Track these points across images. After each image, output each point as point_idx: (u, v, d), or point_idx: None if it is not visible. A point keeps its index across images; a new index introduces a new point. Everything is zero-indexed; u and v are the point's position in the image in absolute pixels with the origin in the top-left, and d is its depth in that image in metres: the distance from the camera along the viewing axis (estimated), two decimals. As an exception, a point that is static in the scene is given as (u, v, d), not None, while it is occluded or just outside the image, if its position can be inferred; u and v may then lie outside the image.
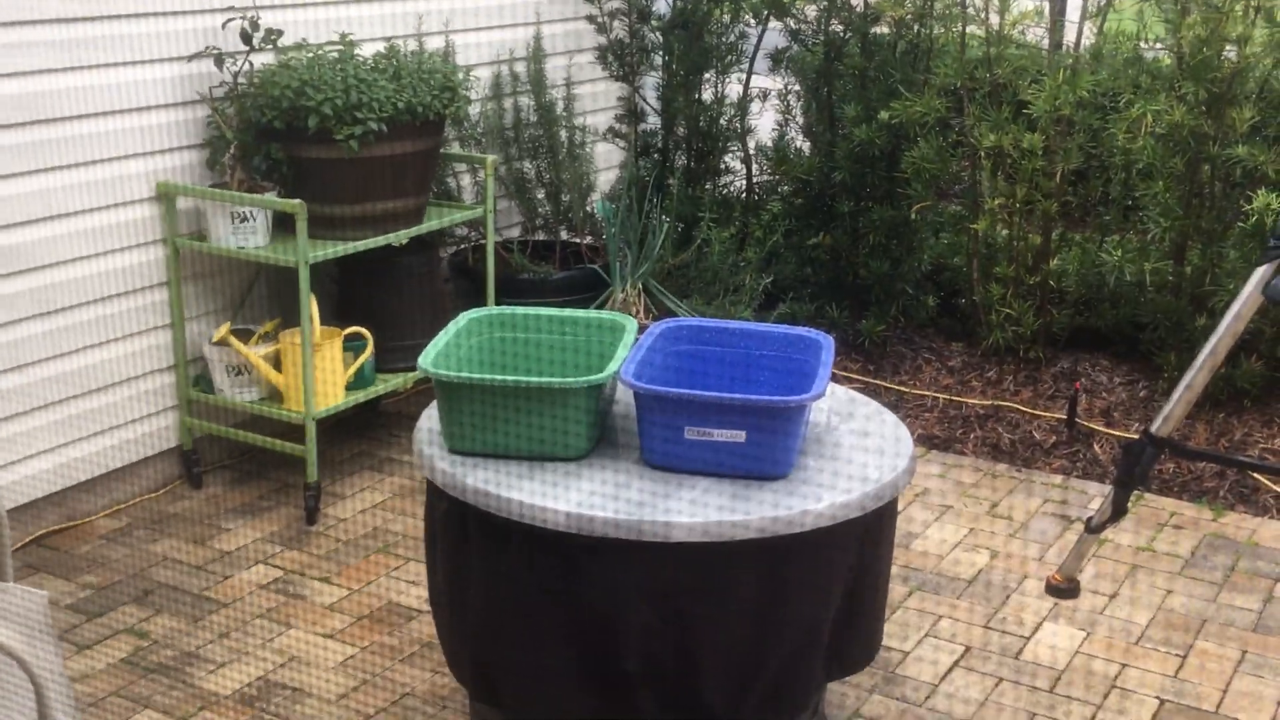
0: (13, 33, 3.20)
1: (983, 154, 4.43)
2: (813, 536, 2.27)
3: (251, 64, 3.65)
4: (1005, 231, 4.53)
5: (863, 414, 2.67)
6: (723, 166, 5.25)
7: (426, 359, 2.45)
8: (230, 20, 3.62)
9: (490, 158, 4.13)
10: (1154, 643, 3.10)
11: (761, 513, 2.23)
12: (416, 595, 3.26)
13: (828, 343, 2.56)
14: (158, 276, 3.65)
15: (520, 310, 2.71)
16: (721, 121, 5.14)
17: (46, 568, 3.35)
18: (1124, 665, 3.01)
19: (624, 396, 2.64)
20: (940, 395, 4.45)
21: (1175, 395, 3.04)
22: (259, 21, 3.62)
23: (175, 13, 3.55)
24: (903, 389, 4.51)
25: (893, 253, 4.74)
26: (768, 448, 2.33)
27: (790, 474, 2.36)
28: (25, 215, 3.30)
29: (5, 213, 3.25)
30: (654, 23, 5.07)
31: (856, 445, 2.50)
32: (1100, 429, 4.17)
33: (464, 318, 2.67)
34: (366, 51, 3.87)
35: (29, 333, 3.36)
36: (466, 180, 4.61)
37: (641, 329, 2.69)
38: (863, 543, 2.39)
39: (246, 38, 3.60)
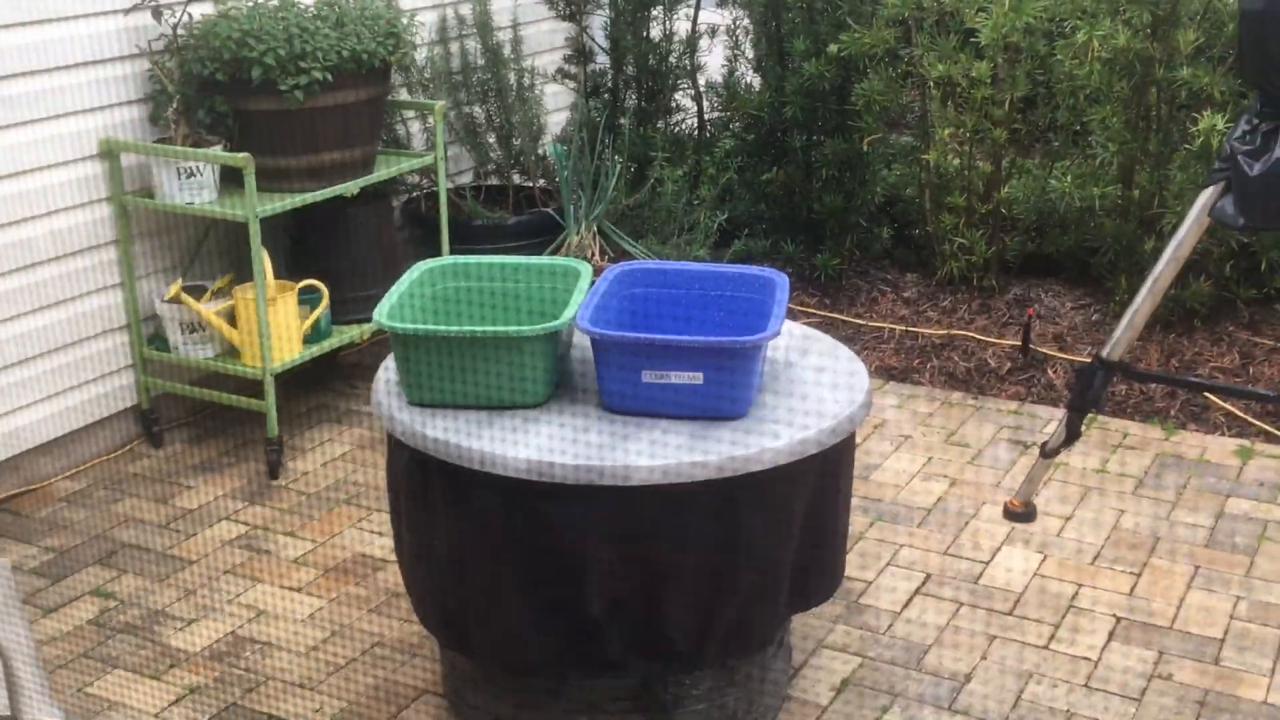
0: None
1: (932, 84, 4.43)
2: (772, 474, 2.29)
3: (190, 15, 3.58)
4: (956, 161, 4.55)
5: (818, 350, 2.68)
6: (673, 105, 5.22)
7: (381, 312, 2.44)
8: (166, -29, 3.55)
9: (439, 104, 4.08)
10: (1108, 562, 3.16)
11: (720, 451, 2.25)
12: (382, 546, 3.27)
13: (782, 281, 2.57)
14: (106, 235, 3.60)
15: (474, 259, 2.69)
16: (671, 59, 5.10)
17: (7, 533, 3.33)
18: (1079, 585, 3.07)
19: (581, 341, 2.64)
20: (896, 326, 4.48)
21: (1125, 319, 3.08)
22: (196, -29, 3.55)
23: (109, -35, 3.47)
24: (859, 321, 4.53)
25: (845, 186, 4.75)
26: (725, 388, 2.34)
27: (748, 413, 2.38)
28: (-34, 178, 3.24)
29: (-55, 176, 3.19)
30: (600, -40, 5.01)
31: (813, 381, 2.52)
32: (1054, 354, 4.22)
33: (418, 268, 2.66)
34: (307, 0, 3.81)
35: (-23, 297, 3.32)
36: (416, 127, 4.56)
37: (597, 271, 2.69)
38: (821, 477, 2.42)
39: (184, -11, 3.53)
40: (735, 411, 2.36)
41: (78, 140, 3.48)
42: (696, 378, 2.34)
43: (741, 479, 2.26)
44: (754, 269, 2.65)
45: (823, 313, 4.59)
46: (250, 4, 3.63)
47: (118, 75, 3.56)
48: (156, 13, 3.52)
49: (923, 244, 4.80)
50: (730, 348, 2.32)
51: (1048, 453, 3.25)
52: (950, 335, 4.39)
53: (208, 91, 3.58)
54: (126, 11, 3.52)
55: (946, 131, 4.40)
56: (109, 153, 3.54)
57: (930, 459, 3.67)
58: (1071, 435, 3.20)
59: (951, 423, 3.89)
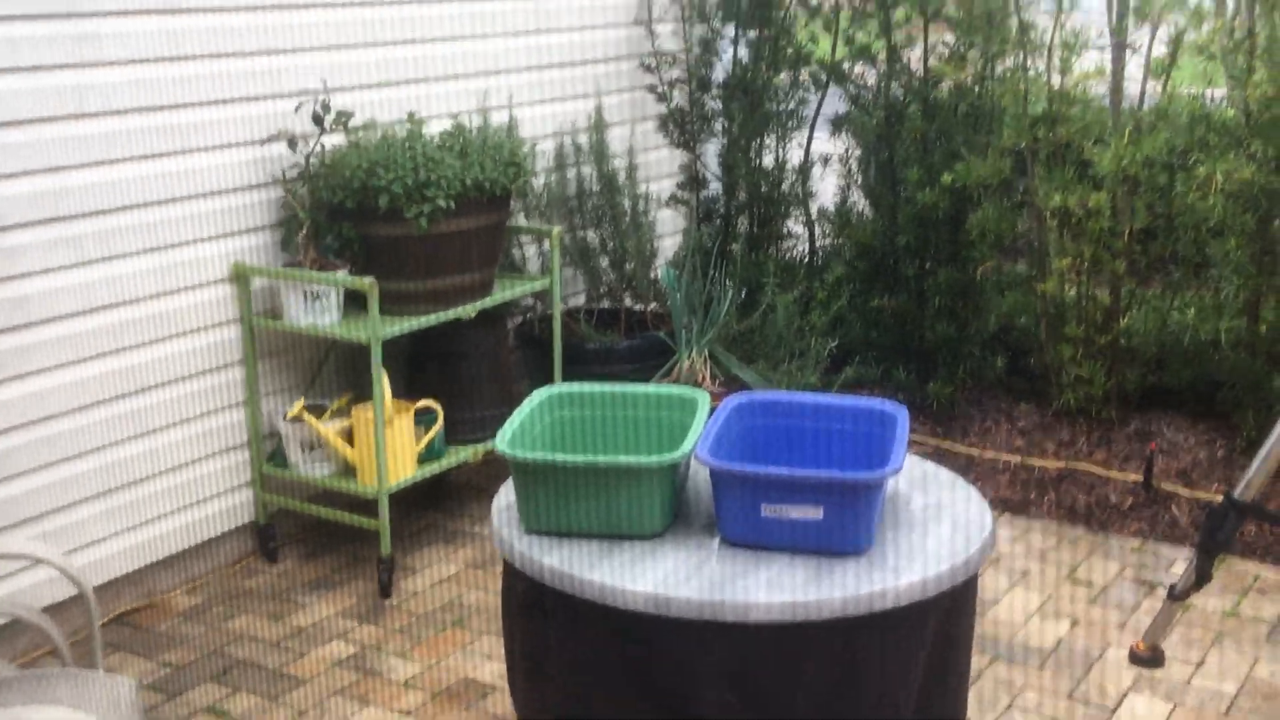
0: (97, 123, 3.30)
1: (1048, 214, 4.41)
2: (893, 615, 2.25)
3: (323, 145, 3.74)
4: (1073, 291, 4.50)
5: (938, 484, 2.65)
6: (785, 231, 5.28)
7: (503, 440, 2.47)
8: (303, 104, 3.71)
9: (555, 229, 4.18)
10: (1242, 713, 3.03)
11: (841, 592, 2.22)
12: (491, 671, 3.27)
13: (902, 415, 2.56)
14: (234, 355, 3.72)
15: (593, 387, 2.73)
16: (783, 186, 5.17)
17: (127, 646, 3.39)
18: (1214, 738, 2.94)
19: (699, 472, 2.64)
20: (1012, 458, 4.41)
21: (1257, 460, 2.99)
22: (330, 104, 3.71)
23: (250, 99, 3.64)
24: (973, 452, 4.47)
25: (959, 314, 4.72)
26: (845, 524, 2.32)
27: (868, 550, 2.35)
28: (107, 299, 3.38)
29: (87, 298, 3.33)
30: (714, 90, 5.13)
31: (934, 519, 2.49)
32: (1178, 490, 4.10)
33: (537, 396, 2.70)
34: (434, 129, 3.95)
35: (109, 414, 3.43)
36: (532, 251, 4.66)
37: (714, 398, 2.70)
38: (944, 619, 2.37)
39: (318, 120, 3.68)
40: (856, 548, 2.33)
41: (212, 264, 3.63)
42: (816, 513, 2.32)
43: (862, 619, 2.22)
44: (874, 401, 2.64)
45: (935, 441, 4.54)
46: (380, 135, 3.77)
47: (251, 202, 3.71)
48: (291, 143, 3.68)
49: (1039, 374, 4.74)
50: (851, 483, 2.31)
51: (1176, 595, 3.15)
52: (1069, 468, 4.30)
53: (336, 218, 3.72)
54: (263, 142, 3.68)
55: (1064, 261, 4.37)
56: (240, 276, 3.68)
57: (1050, 596, 3.57)
58: (1201, 577, 3.09)
59: (1073, 559, 3.79)
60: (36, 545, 2.58)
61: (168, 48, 3.42)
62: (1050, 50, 4.26)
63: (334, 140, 3.78)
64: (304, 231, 3.68)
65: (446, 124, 4.02)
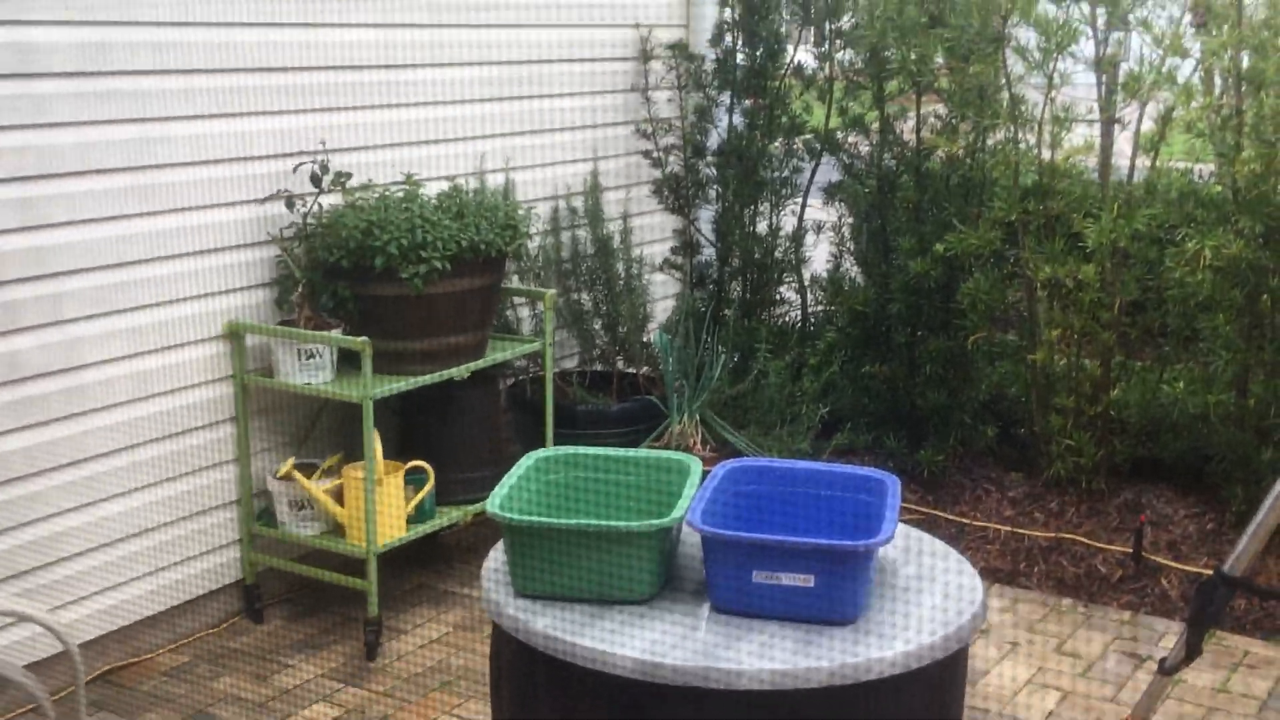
0: (93, 180, 3.33)
1: (1039, 285, 4.45)
2: (882, 684, 2.24)
3: (321, 205, 3.77)
4: (1063, 361, 4.53)
5: (929, 553, 2.65)
6: (778, 297, 5.31)
7: (494, 502, 2.47)
8: (301, 164, 3.75)
9: (549, 292, 4.20)
10: (1234, 790, 3.01)
11: (830, 661, 2.21)
12: (477, 735, 3.24)
13: (894, 484, 2.56)
14: (226, 412, 3.72)
15: (585, 451, 2.73)
16: (776, 253, 5.21)
17: (110, 706, 3.36)
18: (1204, 814, 2.92)
19: (690, 537, 2.64)
20: (1002, 527, 4.41)
21: (1246, 535, 2.99)
22: (328, 164, 3.75)
23: (248, 158, 3.68)
24: (963, 519, 4.47)
25: (950, 382, 4.75)
26: (837, 592, 2.32)
27: (859, 619, 2.34)
28: (99, 355, 3.39)
29: (79, 353, 3.34)
30: (709, 157, 5.19)
31: (925, 588, 2.49)
32: (1168, 563, 4.11)
33: (530, 458, 2.70)
34: (431, 190, 3.99)
35: (99, 470, 3.43)
36: (525, 312, 4.69)
37: (705, 465, 2.70)
38: (934, 690, 2.36)
39: (316, 180, 3.72)
40: (846, 616, 2.33)
41: (206, 321, 3.64)
42: (808, 580, 2.32)
43: (853, 688, 2.22)
44: (865, 470, 2.64)
45: (925, 509, 4.54)
46: (377, 195, 3.81)
47: (248, 260, 3.73)
48: (289, 202, 3.71)
49: (1029, 443, 4.75)
50: (842, 551, 2.31)
51: (1167, 670, 3.13)
52: (1058, 539, 4.30)
53: (332, 277, 3.74)
54: (261, 201, 3.71)
55: (1054, 332, 4.40)
56: (234, 333, 3.69)
57: (1040, 668, 3.56)
58: (1191, 652, 3.08)
59: (1062, 630, 3.78)
60: (21, 603, 2.57)
61: (171, 107, 3.46)
62: (1041, 125, 4.32)
63: (331, 200, 3.81)
64: (299, 290, 3.70)
65: (444, 186, 4.06)
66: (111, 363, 3.42)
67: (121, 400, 3.46)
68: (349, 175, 3.80)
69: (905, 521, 2.79)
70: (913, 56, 4.57)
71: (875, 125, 4.93)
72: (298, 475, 3.65)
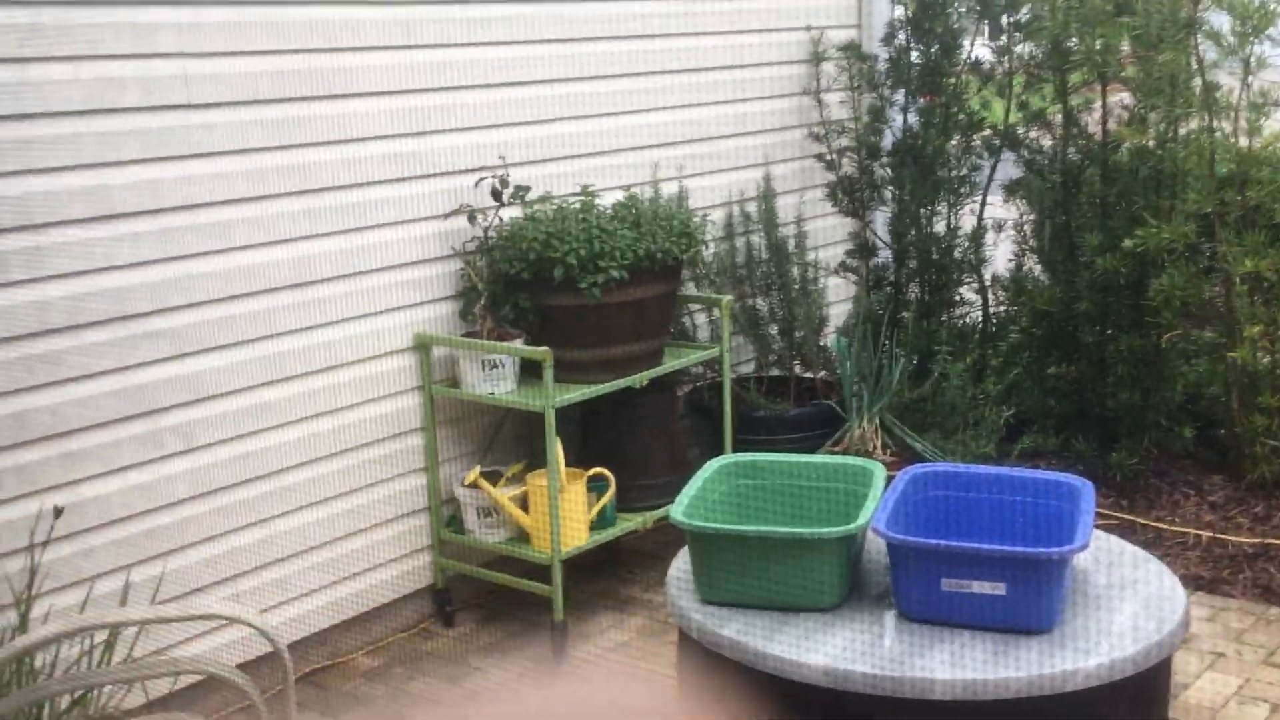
0: (289, 202, 3.48)
1: (1238, 279, 4.26)
2: (1080, 697, 2.19)
3: (501, 218, 3.86)
4: (1267, 359, 4.33)
5: (1126, 561, 2.57)
6: (957, 298, 5.22)
7: (678, 509, 2.50)
8: (482, 179, 3.85)
9: (726, 298, 4.22)
10: None
11: (1026, 671, 2.17)
12: (663, 740, 3.27)
13: (1088, 489, 2.50)
14: (415, 422, 3.85)
15: (767, 457, 2.74)
16: (955, 253, 5.12)
17: (314, 705, 3.51)
18: None
19: (872, 543, 2.62)
20: (1202, 532, 4.23)
21: None
22: (508, 179, 3.84)
23: (431, 175, 3.80)
24: (1160, 525, 4.31)
25: (1142, 382, 4.58)
26: (1029, 601, 2.27)
27: (1054, 629, 2.29)
28: (297, 369, 3.55)
29: (277, 367, 3.50)
30: (883, 158, 5.13)
31: (1122, 597, 2.41)
32: (1387, 571, 3.88)
33: (712, 465, 2.72)
34: (607, 200, 4.05)
35: (297, 480, 3.59)
36: (701, 319, 4.71)
37: (888, 470, 2.68)
38: (1133, 704, 2.29)
39: (496, 194, 3.82)
40: (1040, 626, 2.28)
41: (396, 334, 3.77)
42: (999, 588, 2.28)
43: (1050, 699, 2.17)
44: (1057, 475, 2.59)
45: (1119, 515, 4.39)
46: (555, 207, 3.89)
47: (433, 274, 3.85)
48: (471, 217, 3.82)
49: (1230, 445, 4.55)
50: (1036, 559, 2.26)
51: (1389, 684, 2.97)
52: (1264, 544, 4.11)
53: (513, 289, 3.83)
54: (445, 216, 3.83)
55: (1255, 329, 4.21)
56: (422, 345, 3.81)
57: (1248, 680, 3.41)
58: None
59: (1271, 640, 3.61)
60: (234, 606, 2.71)
61: (355, 129, 3.60)
62: (1237, 111, 4.14)
63: (511, 213, 3.90)
64: (482, 302, 3.80)
65: (619, 195, 4.12)
66: (309, 375, 3.57)
67: (317, 412, 3.61)
68: (528, 188, 3.89)
69: (1099, 527, 2.72)
70: (1097, 46, 4.43)
71: (1058, 119, 4.80)
72: (483, 483, 3.75)
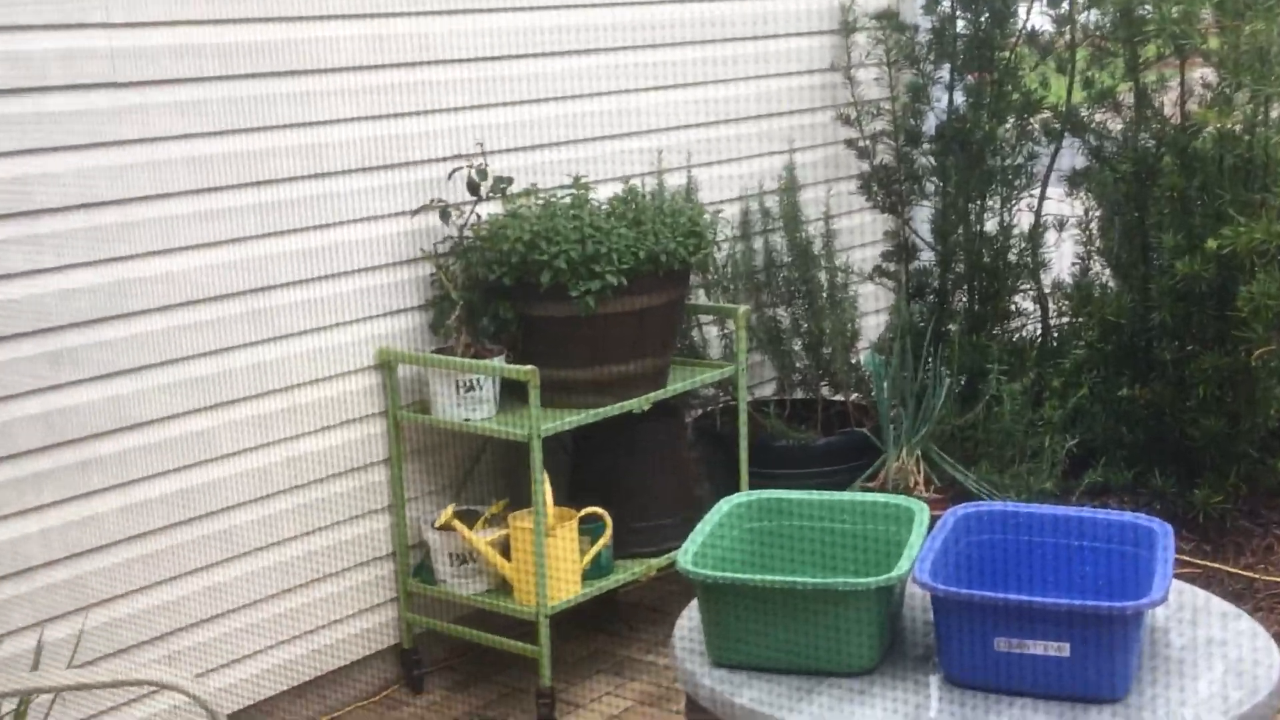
0: (223, 197, 3.49)
1: (1341, 287, 4.27)
2: (1159, 775, 2.18)
3: (479, 215, 3.87)
4: (1374, 380, 4.34)
5: (1210, 617, 2.57)
6: (1012, 308, 5.22)
7: (686, 556, 2.50)
8: (456, 170, 3.86)
9: (742, 308, 4.23)
10: None
11: (1094, 745, 2.16)
12: (668, 827, 3.27)
13: (1165, 532, 2.50)
14: (377, 454, 3.85)
15: (790, 494, 2.74)
16: (1009, 256, 5.13)
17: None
18: None
19: (915, 596, 2.62)
20: (1299, 583, 4.24)
21: None
22: (487, 169, 3.85)
23: (400, 164, 3.81)
24: (1251, 575, 4.32)
25: (1229, 407, 4.58)
26: (1098, 663, 2.27)
27: (1125, 697, 2.29)
28: (239, 392, 3.55)
29: (224, 389, 3.51)
30: (925, 145, 5.14)
31: (1206, 659, 2.41)
32: None
33: (725, 504, 2.72)
34: (602, 194, 4.06)
35: (243, 520, 3.59)
36: (713, 332, 4.72)
37: (931, 510, 2.68)
38: (1222, 783, 2.28)
39: (474, 187, 3.83)
40: (1111, 694, 2.28)
41: (356, 350, 3.78)
42: (1062, 649, 2.28)
43: (1122, 781, 2.16)
44: (1128, 516, 2.59)
45: (1202, 562, 4.40)
46: (542, 201, 3.89)
47: (398, 280, 3.86)
48: (444, 214, 3.82)
49: (1332, 480, 4.56)
50: (1105, 614, 2.26)
51: None
52: (1373, 597, 4.12)
53: (492, 297, 3.83)
54: (413, 213, 3.84)
55: (1361, 344, 4.21)
56: (386, 363, 3.82)
57: (1354, 758, 3.40)
58: None
59: (1380, 711, 3.60)
60: (165, 671, 2.70)
61: (314, 111, 3.61)
62: (1339, 90, 4.15)
63: (491, 209, 3.91)
64: (456, 313, 3.81)
65: (616, 188, 4.13)
66: (252, 399, 3.57)
67: (263, 442, 3.61)
68: (510, 180, 3.90)
69: (1179, 577, 2.72)
70: (1174, 14, 4.44)
71: (1128, 99, 4.81)
72: (458, 525, 3.75)
